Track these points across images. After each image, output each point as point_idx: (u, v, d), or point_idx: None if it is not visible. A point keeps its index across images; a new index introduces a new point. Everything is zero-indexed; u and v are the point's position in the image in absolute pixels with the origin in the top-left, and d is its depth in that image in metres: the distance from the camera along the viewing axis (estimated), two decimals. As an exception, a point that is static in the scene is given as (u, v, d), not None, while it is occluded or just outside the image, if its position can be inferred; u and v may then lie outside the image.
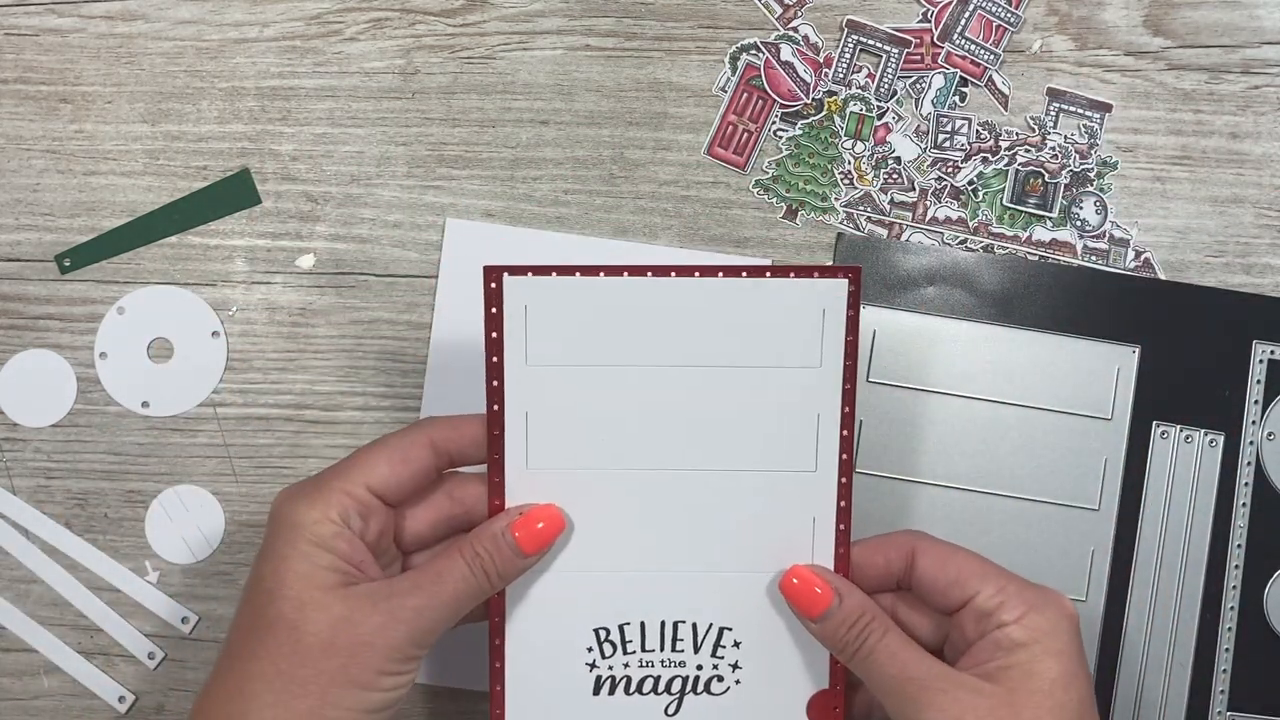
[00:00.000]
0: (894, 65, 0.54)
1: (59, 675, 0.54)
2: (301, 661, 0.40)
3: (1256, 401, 0.53)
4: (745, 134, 0.54)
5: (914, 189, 0.54)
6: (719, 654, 0.46)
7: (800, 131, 0.54)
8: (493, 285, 0.44)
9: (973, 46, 0.54)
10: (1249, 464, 0.53)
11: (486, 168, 0.54)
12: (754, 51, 0.54)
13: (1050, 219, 0.54)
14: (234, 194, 0.54)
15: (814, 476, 0.45)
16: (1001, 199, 0.54)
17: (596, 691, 0.46)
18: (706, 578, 0.46)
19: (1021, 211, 0.54)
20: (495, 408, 0.44)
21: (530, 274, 0.44)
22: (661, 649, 0.46)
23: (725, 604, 0.46)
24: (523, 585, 0.45)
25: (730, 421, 0.45)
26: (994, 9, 0.54)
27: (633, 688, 0.46)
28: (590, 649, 0.46)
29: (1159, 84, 0.54)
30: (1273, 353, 0.53)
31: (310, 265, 0.54)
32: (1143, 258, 0.54)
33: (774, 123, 0.54)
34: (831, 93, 0.54)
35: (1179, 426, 0.53)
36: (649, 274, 0.44)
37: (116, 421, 0.54)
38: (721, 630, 0.46)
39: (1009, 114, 0.54)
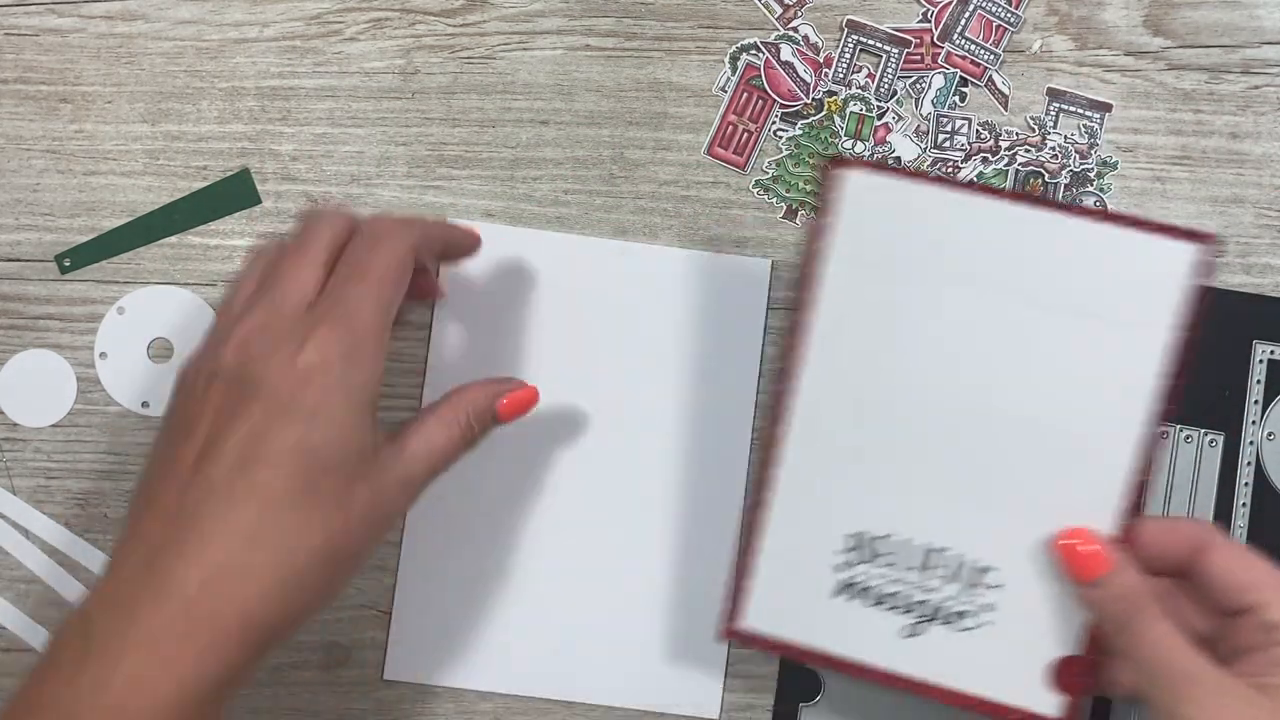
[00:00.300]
0: (894, 65, 0.54)
1: (59, 675, 0.54)
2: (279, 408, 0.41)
3: (1256, 401, 0.53)
4: (745, 134, 0.54)
5: (914, 189, 0.54)
6: (973, 590, 0.45)
7: (800, 131, 0.54)
8: (830, 180, 0.44)
9: (973, 46, 0.54)
10: (1249, 464, 0.53)
11: (486, 168, 0.54)
12: (754, 51, 0.54)
13: (1050, 219, 0.54)
14: (234, 194, 0.54)
15: (1119, 441, 0.44)
16: (1001, 199, 0.54)
17: (838, 593, 0.45)
18: (982, 514, 0.44)
19: (1021, 211, 0.54)
20: (804, 311, 0.45)
21: (876, 172, 0.44)
22: (915, 570, 0.45)
23: (995, 544, 0.44)
24: (793, 470, 0.45)
25: (1043, 365, 0.44)
26: (994, 9, 0.54)
27: (876, 599, 0.45)
28: (841, 551, 0.45)
29: (1159, 84, 0.54)
30: (1273, 353, 0.53)
31: (310, 265, 0.54)
32: (1143, 258, 0.54)
33: (774, 123, 0.54)
34: (831, 93, 0.54)
35: (1178, 426, 0.53)
36: (998, 198, 0.43)
37: (116, 421, 0.54)
38: (985, 569, 0.45)
39: (1009, 114, 0.54)
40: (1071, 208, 0.43)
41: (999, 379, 0.44)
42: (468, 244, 0.50)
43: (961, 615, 0.45)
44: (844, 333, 0.45)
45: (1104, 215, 0.43)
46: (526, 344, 0.53)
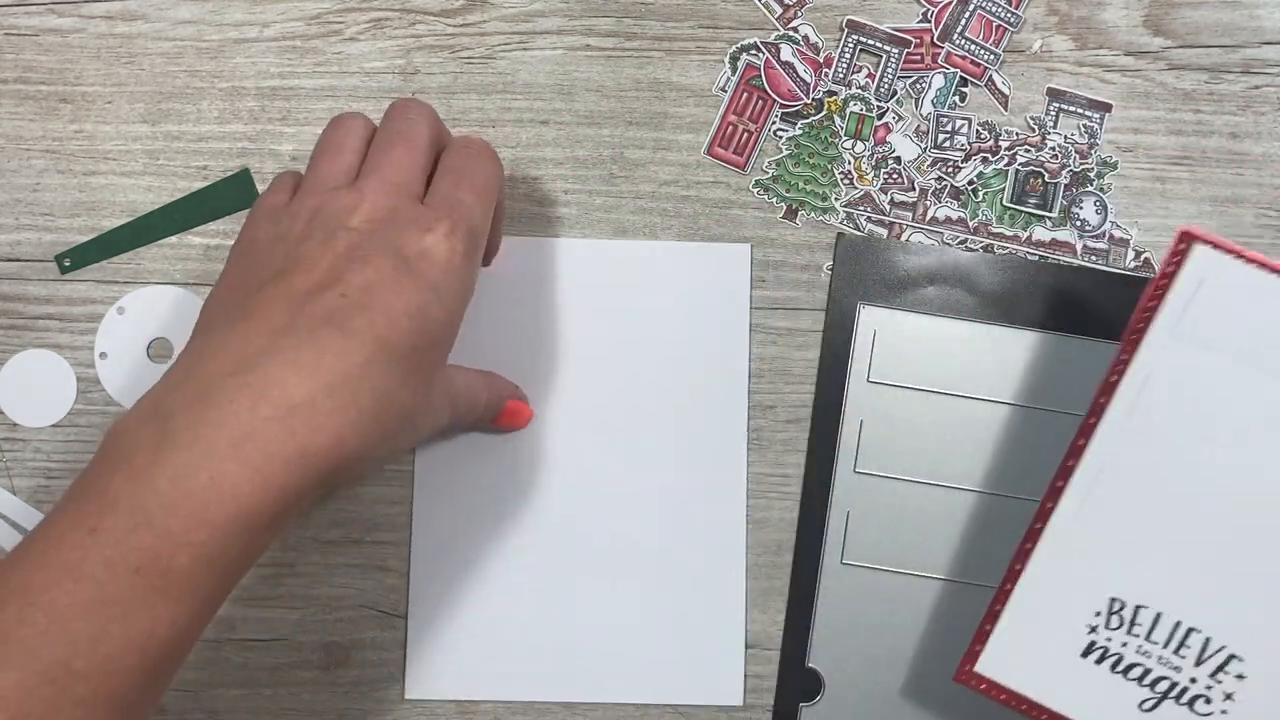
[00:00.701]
0: (894, 65, 0.54)
1: (59, 675, 0.54)
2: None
3: (1257, 401, 0.53)
4: (745, 134, 0.54)
5: (914, 189, 0.54)
6: (1218, 677, 0.45)
7: (800, 131, 0.54)
8: (1179, 250, 0.43)
9: (973, 46, 0.54)
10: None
11: (486, 168, 0.54)
12: (754, 51, 0.54)
13: (1050, 219, 0.54)
14: (234, 194, 0.54)
15: None
16: (1001, 199, 0.54)
17: (1086, 654, 0.45)
18: (1244, 604, 0.45)
19: (1021, 211, 0.54)
20: (1116, 370, 0.44)
21: (1226, 253, 0.43)
22: (1165, 646, 0.45)
23: (1247, 634, 0.44)
24: (1068, 523, 0.45)
25: None
26: (994, 9, 0.54)
27: (1120, 667, 0.45)
28: (1099, 613, 0.45)
29: (1159, 84, 0.54)
30: None
31: (310, 265, 0.54)
32: (1143, 258, 0.54)
33: (774, 123, 0.54)
34: (831, 93, 0.54)
35: (1179, 426, 0.53)
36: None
37: (116, 421, 0.54)
38: (1231, 656, 0.45)
39: (1009, 114, 0.54)
40: None
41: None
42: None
43: (1200, 700, 0.45)
44: (1153, 400, 0.44)
45: None
46: (507, 350, 0.53)
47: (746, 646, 0.53)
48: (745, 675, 0.52)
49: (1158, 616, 0.45)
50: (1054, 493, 0.46)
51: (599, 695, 0.52)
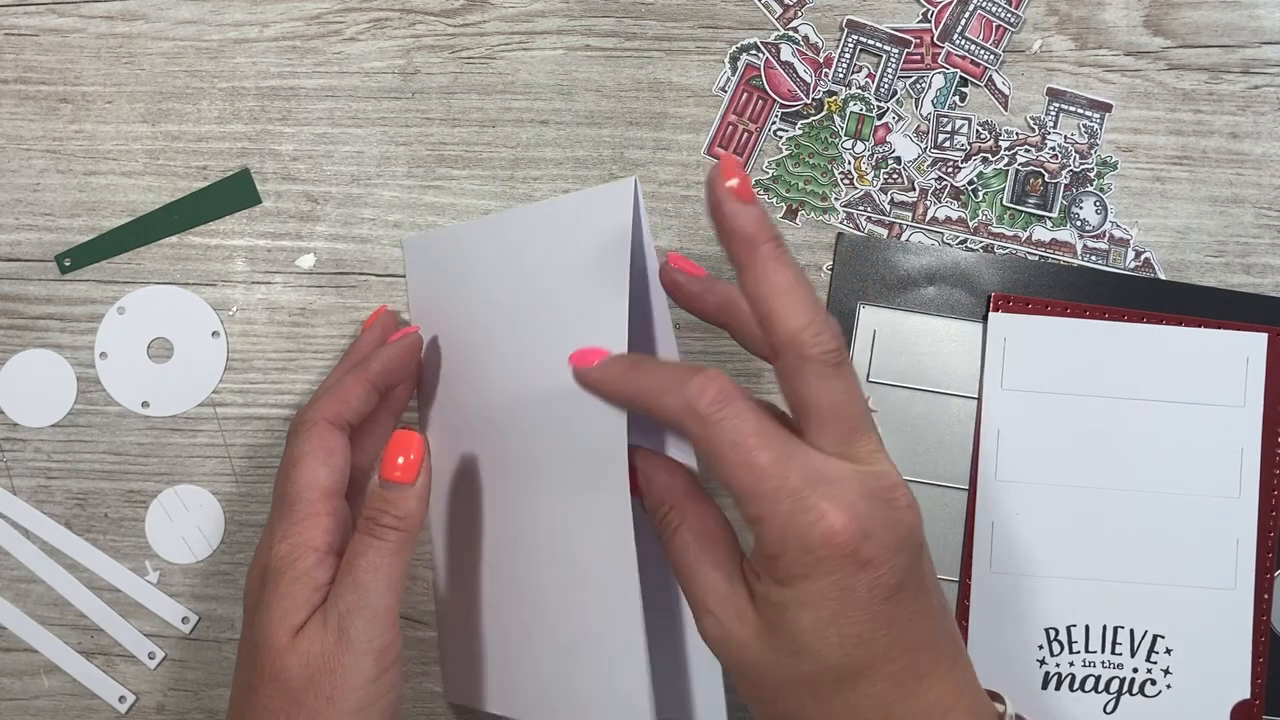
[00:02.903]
0: (894, 65, 0.54)
1: (59, 675, 0.54)
2: (294, 705, 0.41)
3: (1257, 402, 0.54)
4: (745, 134, 0.54)
5: (914, 189, 0.54)
6: (1153, 659, 0.51)
7: (800, 131, 0.54)
8: (991, 318, 0.52)
9: (973, 46, 0.54)
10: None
11: (486, 168, 0.54)
12: (754, 51, 0.54)
13: (1050, 219, 0.54)
14: (234, 194, 0.54)
15: (1237, 502, 0.51)
16: (1001, 199, 0.54)
17: (1045, 686, 0.51)
18: (1141, 589, 0.51)
19: (1021, 211, 0.54)
20: (976, 427, 0.52)
21: (1017, 312, 0.52)
22: (1102, 651, 0.51)
23: (1159, 613, 0.51)
24: (986, 592, 0.51)
25: (1161, 450, 0.51)
26: (994, 9, 0.54)
27: (1076, 685, 0.51)
28: (1041, 646, 0.51)
29: (1159, 84, 0.54)
30: (1273, 353, 0.54)
31: (310, 265, 0.54)
32: (1143, 258, 0.54)
33: (774, 123, 0.54)
34: (831, 93, 0.54)
35: None
36: (1119, 319, 0.52)
37: (116, 421, 0.54)
38: (1155, 637, 0.51)
39: (1009, 114, 0.54)
40: (1165, 316, 0.52)
41: (1132, 468, 0.51)
42: (408, 359, 0.50)
43: (1147, 684, 0.51)
44: (1009, 446, 0.52)
45: (1187, 320, 0.52)
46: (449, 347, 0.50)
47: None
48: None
49: (1087, 629, 0.51)
50: (965, 565, 0.52)
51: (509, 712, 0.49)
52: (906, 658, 0.36)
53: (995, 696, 0.39)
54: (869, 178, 0.54)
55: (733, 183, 0.37)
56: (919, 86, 0.54)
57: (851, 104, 0.54)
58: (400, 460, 0.43)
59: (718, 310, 0.43)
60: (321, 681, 0.41)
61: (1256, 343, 0.52)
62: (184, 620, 0.54)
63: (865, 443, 0.37)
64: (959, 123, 0.54)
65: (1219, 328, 0.52)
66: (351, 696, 0.41)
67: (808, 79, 0.54)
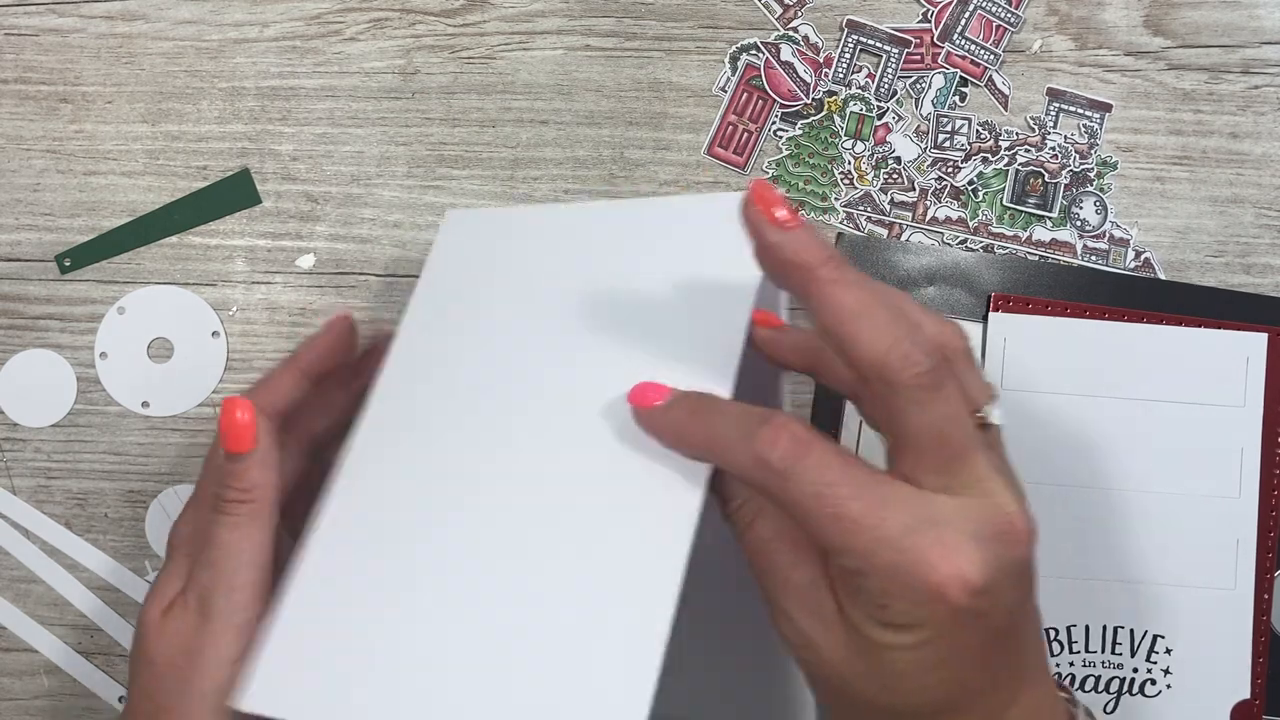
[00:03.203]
0: (894, 65, 0.54)
1: (59, 675, 0.54)
2: (159, 686, 0.40)
3: (1257, 402, 0.54)
4: (745, 134, 0.54)
5: (914, 189, 0.54)
6: (1152, 659, 0.51)
7: (800, 131, 0.54)
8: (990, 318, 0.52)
9: (973, 46, 0.54)
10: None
11: (486, 168, 0.54)
12: (754, 51, 0.54)
13: (1050, 219, 0.54)
14: (234, 194, 0.54)
15: (1237, 502, 0.51)
16: (1001, 199, 0.54)
17: None
18: (1141, 589, 0.51)
19: (1021, 211, 0.54)
20: None
21: (1017, 312, 0.52)
22: (1102, 651, 0.51)
23: (1158, 613, 0.51)
24: None
25: (1161, 450, 0.51)
26: (994, 9, 0.54)
27: (1076, 685, 0.51)
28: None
29: (1159, 84, 0.54)
30: (1273, 353, 0.54)
31: (310, 265, 0.54)
32: (1143, 258, 0.54)
33: (774, 123, 0.54)
34: (831, 93, 0.54)
35: (1180, 427, 0.54)
36: (1119, 318, 0.52)
37: (116, 421, 0.54)
38: (1155, 637, 0.51)
39: (1009, 114, 0.54)
40: (1164, 316, 0.52)
41: (1130, 468, 0.51)
42: (338, 344, 0.47)
43: (1146, 684, 0.51)
44: (1012, 446, 0.48)
45: (1188, 320, 0.52)
46: (492, 335, 0.42)
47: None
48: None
49: (1087, 629, 0.51)
50: None
51: None
52: (1003, 691, 0.34)
53: (1063, 688, 0.38)
54: (869, 178, 0.54)
55: (780, 213, 0.33)
56: (919, 86, 0.54)
57: (851, 104, 0.54)
58: (232, 428, 0.41)
59: (799, 356, 0.40)
60: (180, 662, 0.39)
61: (1256, 343, 0.52)
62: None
63: (973, 468, 0.33)
64: (959, 123, 0.54)
65: (1219, 328, 0.52)
66: (212, 677, 0.39)
67: (808, 79, 0.54)
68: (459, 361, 0.42)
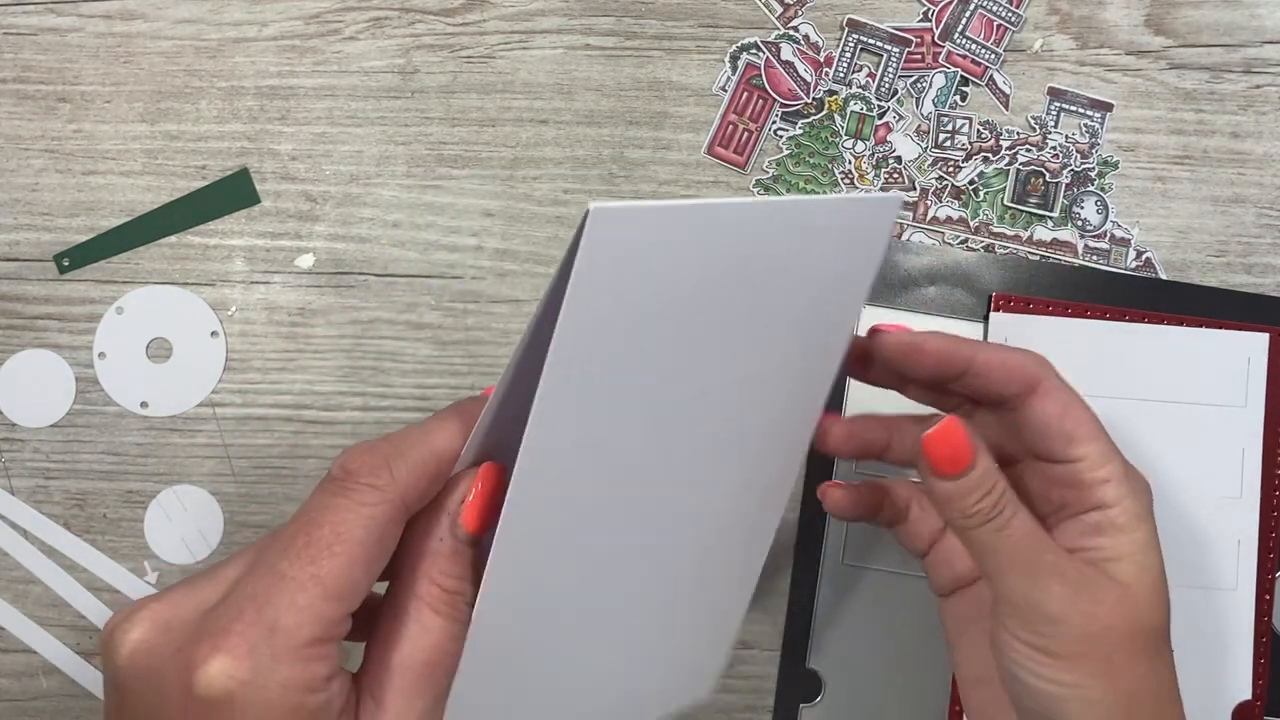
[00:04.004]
0: (895, 64, 0.54)
1: (58, 676, 0.54)
2: None
3: (1258, 402, 0.54)
4: (745, 133, 0.54)
5: (915, 188, 0.54)
6: None
7: (801, 131, 0.54)
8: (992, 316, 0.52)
9: (974, 46, 0.54)
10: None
11: (486, 167, 0.54)
12: (754, 51, 0.54)
13: (1051, 219, 0.54)
14: (233, 194, 0.54)
15: (1238, 502, 0.51)
16: (1002, 199, 0.54)
17: None
18: None
19: (1022, 211, 0.54)
20: None
21: (1018, 312, 0.52)
22: None
23: None
24: None
25: (1162, 450, 0.51)
26: (995, 8, 0.54)
27: None
28: None
29: (1160, 83, 0.54)
30: (1275, 353, 0.54)
31: (309, 265, 0.54)
32: (1144, 257, 0.54)
33: (774, 122, 0.54)
34: (832, 92, 0.54)
35: (1180, 427, 0.54)
36: (1120, 318, 0.52)
37: (115, 421, 0.54)
38: None
39: (1010, 113, 0.54)
40: (1166, 316, 0.52)
41: (1139, 469, 0.51)
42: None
43: None
44: None
45: (1190, 320, 0.52)
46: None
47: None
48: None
49: None
50: None
51: None
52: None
53: None
54: (869, 177, 0.54)
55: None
56: (920, 86, 0.54)
57: (852, 103, 0.54)
58: (490, 498, 0.34)
59: (854, 445, 0.45)
60: None
61: (1258, 343, 0.52)
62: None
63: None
64: (960, 122, 0.54)
65: (1220, 328, 0.52)
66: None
67: (808, 78, 0.54)
68: (629, 385, 0.36)
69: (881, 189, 0.54)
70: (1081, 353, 0.52)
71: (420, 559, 0.34)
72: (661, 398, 0.37)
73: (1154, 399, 0.51)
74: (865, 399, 0.53)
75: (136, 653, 0.31)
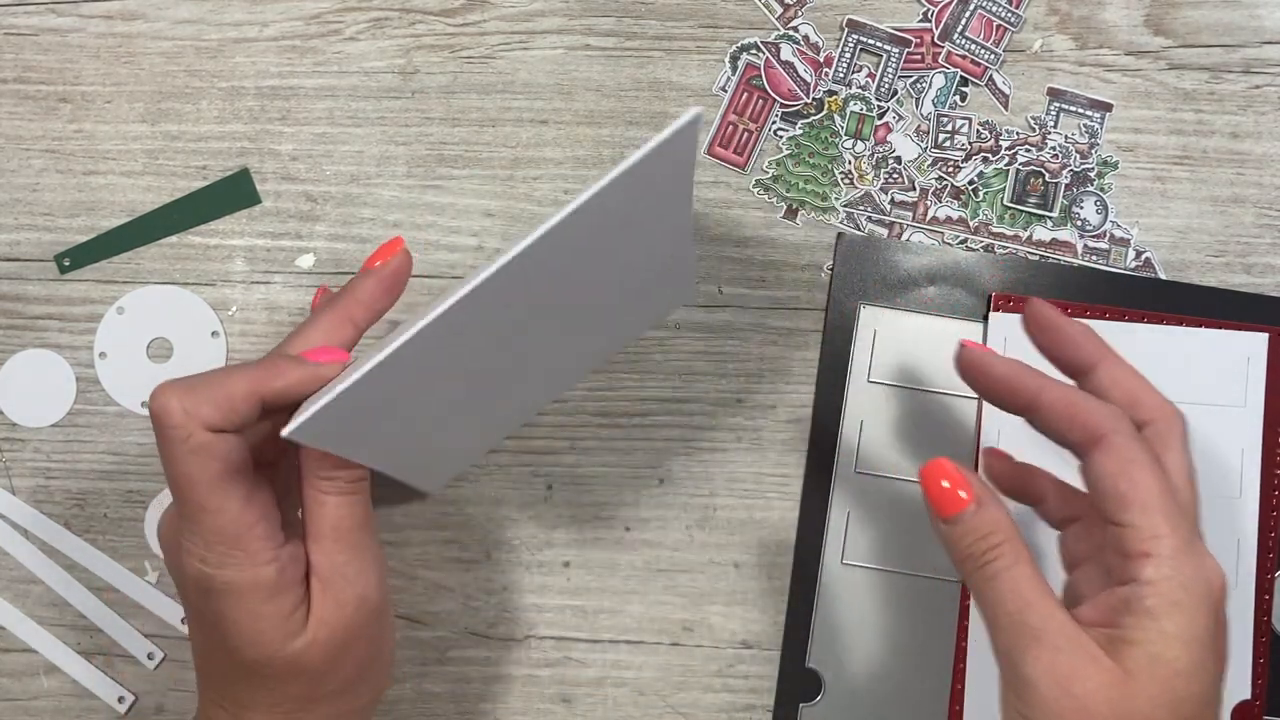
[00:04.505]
0: (894, 65, 0.54)
1: (59, 675, 0.54)
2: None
3: (1258, 402, 0.54)
4: (745, 134, 0.54)
5: (914, 188, 0.54)
6: None
7: (800, 131, 0.54)
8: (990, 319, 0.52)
9: (973, 46, 0.54)
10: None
11: (486, 167, 0.54)
12: (754, 51, 0.54)
13: (1051, 219, 0.54)
14: (234, 194, 0.54)
15: (1238, 502, 0.51)
16: (1002, 199, 0.54)
17: None
18: None
19: (1022, 211, 0.54)
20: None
21: (1018, 312, 0.50)
22: None
23: None
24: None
25: None
26: (994, 8, 0.54)
27: None
28: None
29: (1160, 83, 0.54)
30: (1274, 353, 0.54)
31: (310, 265, 0.54)
32: (1143, 257, 0.54)
33: (774, 122, 0.54)
34: (832, 92, 0.54)
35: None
36: (1119, 318, 0.52)
37: (116, 421, 0.54)
38: None
39: (1009, 113, 0.54)
40: (1165, 316, 0.52)
41: None
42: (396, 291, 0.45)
43: None
44: (1012, 445, 0.49)
45: (1188, 320, 0.52)
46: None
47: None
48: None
49: None
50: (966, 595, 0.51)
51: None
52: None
53: None
54: (869, 177, 0.54)
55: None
56: (919, 86, 0.54)
57: (852, 103, 0.54)
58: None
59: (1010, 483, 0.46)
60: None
61: (1257, 342, 0.52)
62: (184, 620, 0.53)
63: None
64: (959, 122, 0.54)
65: (1219, 328, 0.52)
66: None
67: (808, 78, 0.54)
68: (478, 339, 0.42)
69: (881, 189, 0.54)
70: None
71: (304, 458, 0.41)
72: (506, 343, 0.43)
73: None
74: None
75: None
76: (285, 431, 0.37)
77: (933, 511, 0.39)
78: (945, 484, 0.39)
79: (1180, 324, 0.52)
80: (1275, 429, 0.51)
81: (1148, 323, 0.52)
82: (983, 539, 0.38)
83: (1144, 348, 0.52)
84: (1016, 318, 0.51)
